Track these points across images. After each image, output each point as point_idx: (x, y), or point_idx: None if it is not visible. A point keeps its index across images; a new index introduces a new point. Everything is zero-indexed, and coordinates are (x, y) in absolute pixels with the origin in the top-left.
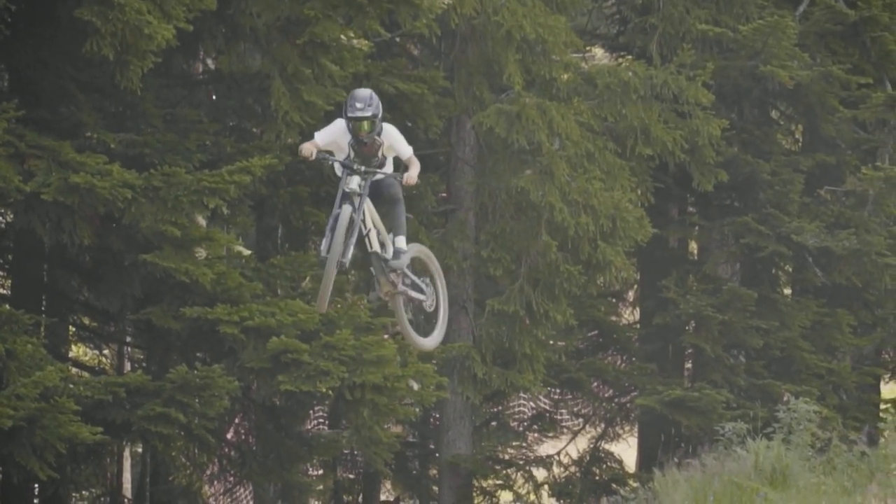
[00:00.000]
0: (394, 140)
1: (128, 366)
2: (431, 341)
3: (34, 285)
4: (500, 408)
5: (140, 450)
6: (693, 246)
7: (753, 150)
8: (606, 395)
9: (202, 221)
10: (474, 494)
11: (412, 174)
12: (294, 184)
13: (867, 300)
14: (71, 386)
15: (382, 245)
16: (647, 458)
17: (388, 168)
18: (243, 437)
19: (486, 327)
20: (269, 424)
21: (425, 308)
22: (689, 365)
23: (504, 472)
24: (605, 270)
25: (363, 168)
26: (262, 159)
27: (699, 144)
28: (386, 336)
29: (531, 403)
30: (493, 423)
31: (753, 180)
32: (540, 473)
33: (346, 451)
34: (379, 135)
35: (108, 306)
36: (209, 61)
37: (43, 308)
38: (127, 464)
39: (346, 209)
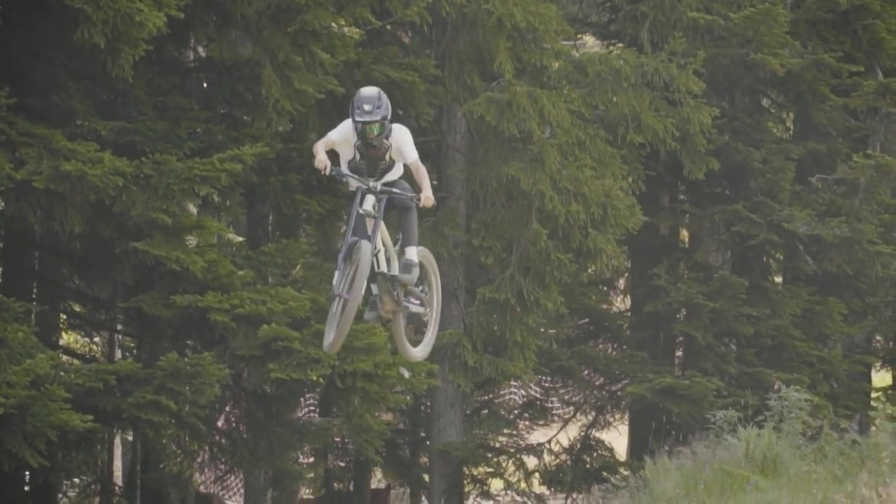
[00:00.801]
0: (401, 143)
1: (118, 353)
2: (423, 350)
3: (25, 273)
4: (490, 396)
5: (131, 437)
6: (684, 234)
7: (744, 138)
8: (597, 382)
9: (193, 209)
10: (465, 482)
11: (428, 195)
12: (285, 172)
13: (858, 288)
14: (62, 373)
15: (388, 261)
16: (638, 446)
17: (398, 171)
18: (234, 424)
19: (476, 315)
20: (260, 412)
21: (422, 318)
22: (679, 353)
23: (495, 459)
24: (596, 258)
25: (378, 187)
26: (253, 147)
27: (690, 132)
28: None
29: (522, 391)
30: (484, 411)
31: (744, 168)
32: (531, 461)
33: (336, 439)
34: (388, 137)
35: (98, 294)
36: (200, 49)
37: (34, 296)
38: (118, 451)
39: (367, 247)
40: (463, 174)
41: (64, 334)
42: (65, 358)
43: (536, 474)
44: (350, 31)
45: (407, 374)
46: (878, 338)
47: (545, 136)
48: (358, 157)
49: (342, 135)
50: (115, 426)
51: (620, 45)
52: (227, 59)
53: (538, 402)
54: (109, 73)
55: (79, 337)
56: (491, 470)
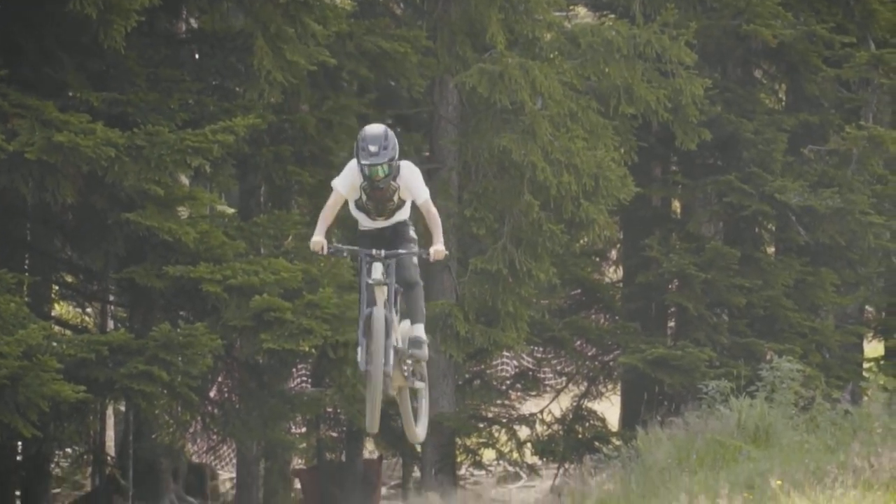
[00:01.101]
0: (410, 183)
1: (111, 324)
2: (423, 429)
3: (17, 244)
4: (483, 366)
5: (123, 408)
6: (676, 205)
7: (737, 110)
8: (589, 353)
9: (185, 180)
10: (457, 452)
11: (439, 248)
12: (277, 143)
13: (850, 259)
14: (54, 344)
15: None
16: (630, 417)
17: (406, 211)
18: (226, 395)
19: (469, 286)
20: (252, 382)
21: (419, 392)
22: (672, 323)
23: (487, 430)
24: (588, 229)
25: (383, 253)
26: (245, 119)
27: (682, 104)
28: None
29: (514, 362)
30: (477, 382)
31: (737, 139)
32: (523, 431)
33: (328, 409)
34: (395, 178)
35: (91, 265)
36: (192, 20)
37: (26, 267)
38: (110, 422)
39: (379, 312)
40: (455, 145)
41: (56, 305)
42: (57, 329)
43: (528, 444)
44: (342, 2)
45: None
46: (869, 308)
47: (537, 107)
48: (364, 197)
49: (347, 184)
50: (107, 397)
51: (612, 16)
52: (219, 31)
53: (530, 373)
54: (101, 44)
55: (71, 308)
56: (483, 440)
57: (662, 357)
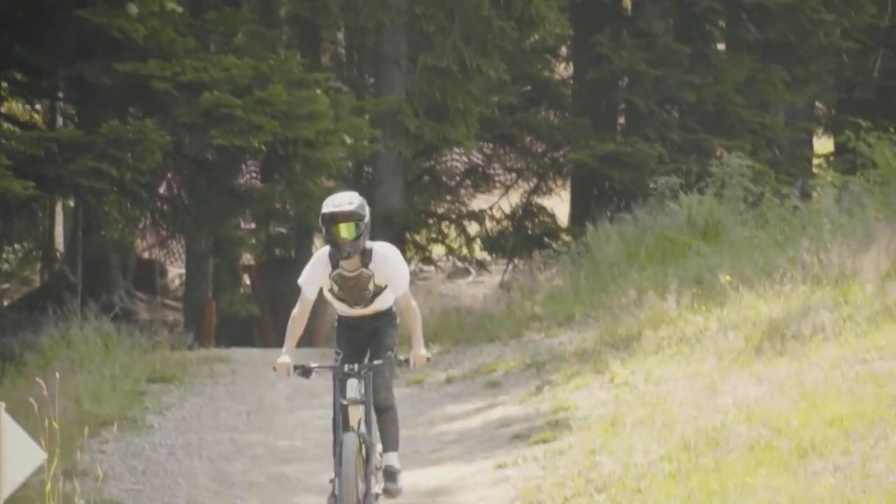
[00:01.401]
0: (385, 271)
1: (60, 121)
2: None
3: None
4: (432, 162)
5: (72, 204)
6: (626, 1)
7: None
8: (539, 149)
9: None
10: (407, 248)
11: (419, 353)
12: None
13: (801, 56)
14: (3, 141)
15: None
16: (580, 213)
17: (389, 298)
18: (176, 191)
19: (418, 82)
20: (202, 179)
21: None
22: (622, 120)
23: (437, 226)
24: (539, 26)
25: (356, 367)
26: None
27: None
28: (319, 91)
29: (464, 158)
30: (426, 178)
31: None
32: (472, 227)
33: (278, 206)
34: (368, 265)
35: (40, 62)
36: None
37: None
38: (59, 218)
39: (351, 438)
40: None
41: (5, 102)
42: (6, 125)
43: (478, 240)
44: None
45: (349, 141)
46: (819, 105)
47: None
48: (336, 288)
49: (315, 279)
50: (56, 193)
51: None
52: None
53: (480, 169)
54: None
55: (20, 104)
56: (433, 236)
57: (612, 153)
